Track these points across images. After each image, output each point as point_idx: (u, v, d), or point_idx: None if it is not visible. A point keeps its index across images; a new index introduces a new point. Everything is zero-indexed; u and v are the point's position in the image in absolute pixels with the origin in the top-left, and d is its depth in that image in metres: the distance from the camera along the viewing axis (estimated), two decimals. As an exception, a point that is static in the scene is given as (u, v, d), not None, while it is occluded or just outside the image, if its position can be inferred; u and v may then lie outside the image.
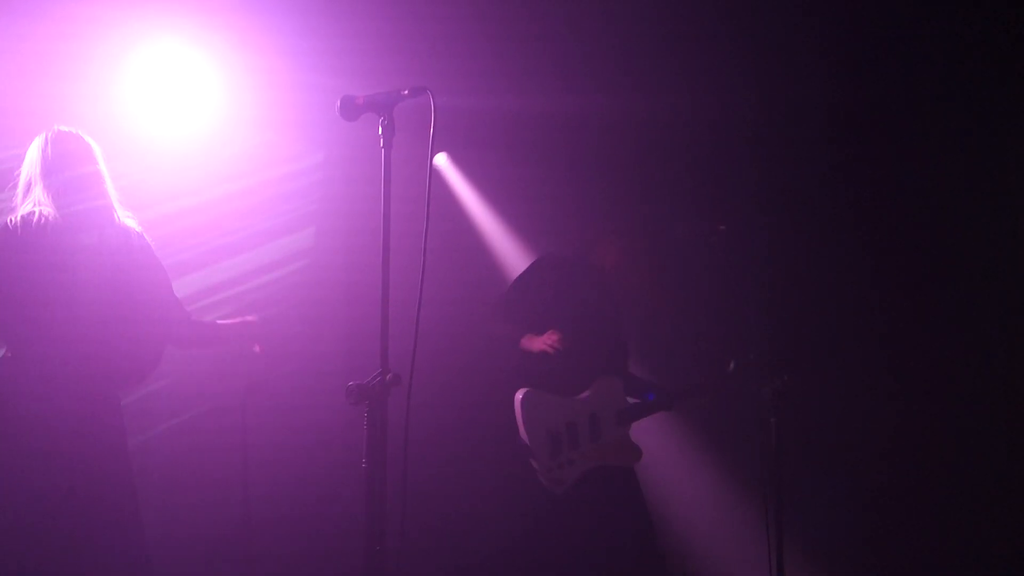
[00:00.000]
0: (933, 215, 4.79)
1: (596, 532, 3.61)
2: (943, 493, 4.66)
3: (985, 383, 4.68)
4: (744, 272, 3.53)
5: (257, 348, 3.54)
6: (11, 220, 3.24)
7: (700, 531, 4.91)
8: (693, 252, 4.53)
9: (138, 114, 4.67)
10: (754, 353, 3.73)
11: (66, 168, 3.30)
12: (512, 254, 5.21)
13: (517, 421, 3.60)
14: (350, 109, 2.59)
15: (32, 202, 3.26)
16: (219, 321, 3.70)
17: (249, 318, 3.59)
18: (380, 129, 2.56)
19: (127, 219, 3.41)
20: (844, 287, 4.94)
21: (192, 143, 4.81)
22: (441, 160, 5.34)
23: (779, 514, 3.43)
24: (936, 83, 4.68)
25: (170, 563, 4.20)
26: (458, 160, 5.35)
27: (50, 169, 3.29)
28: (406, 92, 2.57)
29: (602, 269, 3.89)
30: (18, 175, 3.37)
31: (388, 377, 2.42)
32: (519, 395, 3.62)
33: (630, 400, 3.82)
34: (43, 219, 3.20)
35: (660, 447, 4.82)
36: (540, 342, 3.62)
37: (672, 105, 4.84)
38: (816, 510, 4.66)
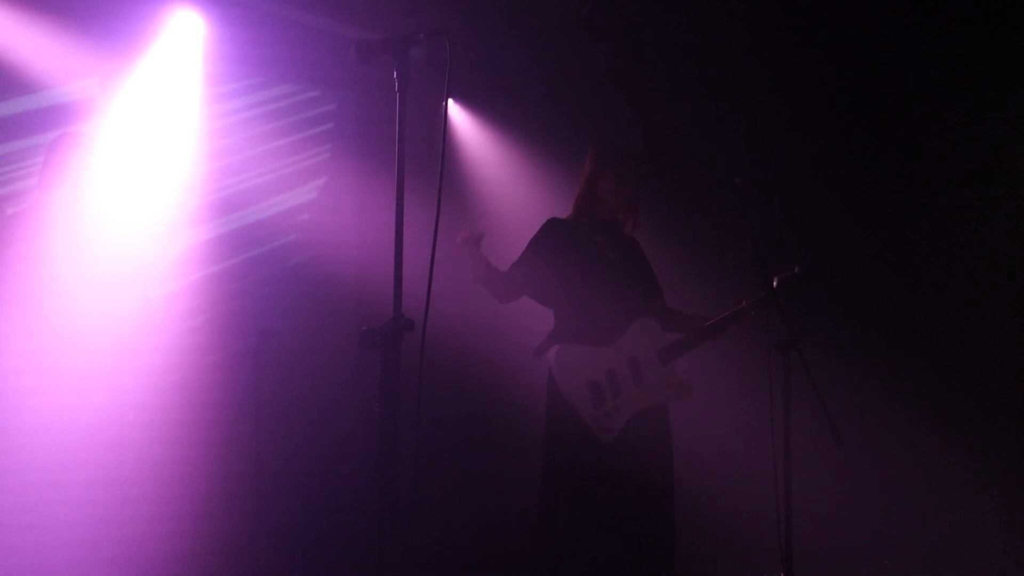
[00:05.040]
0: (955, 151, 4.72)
1: (629, 482, 3.60)
2: (948, 436, 4.66)
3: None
4: (758, 226, 3.49)
5: None
6: None
7: (710, 482, 4.93)
8: (709, 203, 4.51)
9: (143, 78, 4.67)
10: (764, 305, 3.71)
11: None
12: (523, 201, 5.19)
13: (555, 381, 3.59)
14: (365, 53, 2.57)
15: None
16: None
17: None
18: (396, 72, 2.54)
19: None
20: (860, 244, 4.91)
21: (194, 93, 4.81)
22: (454, 109, 5.31)
23: (787, 450, 3.46)
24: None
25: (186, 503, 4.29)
26: (469, 106, 5.32)
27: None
28: (423, 36, 2.54)
29: (613, 218, 3.84)
30: None
31: (402, 322, 2.43)
32: (552, 353, 3.60)
33: (670, 337, 3.79)
34: None
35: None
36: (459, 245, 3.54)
37: (691, 49, 4.78)
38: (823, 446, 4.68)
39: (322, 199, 5.22)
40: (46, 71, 4.33)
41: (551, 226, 3.80)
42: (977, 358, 4.66)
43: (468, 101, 5.32)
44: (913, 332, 4.80)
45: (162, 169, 4.74)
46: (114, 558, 3.76)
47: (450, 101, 5.23)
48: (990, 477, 4.54)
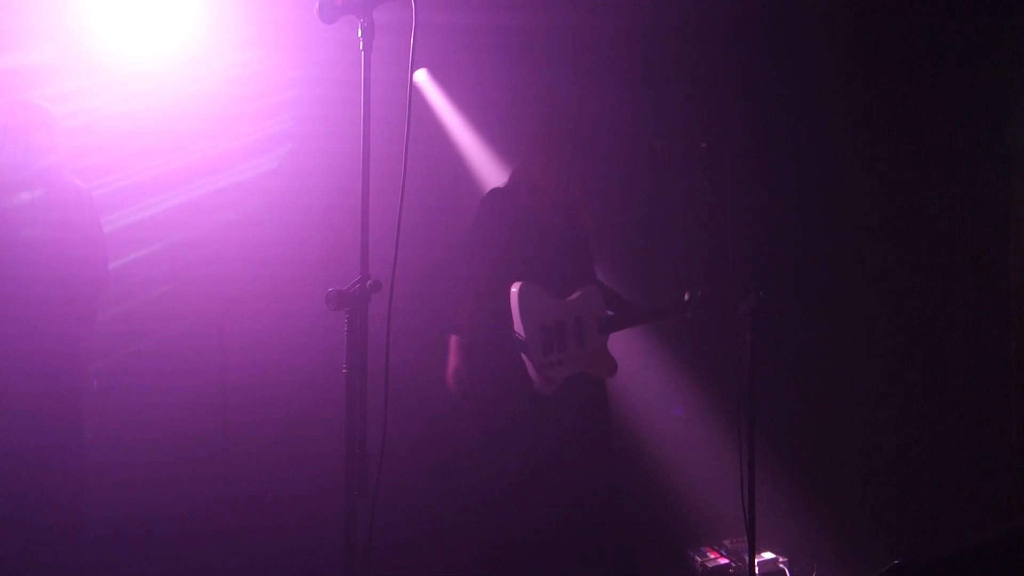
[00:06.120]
0: (927, 136, 4.78)
1: (567, 441, 3.64)
2: (916, 419, 4.76)
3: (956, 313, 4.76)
4: (723, 191, 3.51)
5: None
6: None
7: (675, 451, 5.00)
8: (673, 168, 4.52)
9: (101, 28, 4.58)
10: (730, 271, 3.74)
11: (20, 135, 3.68)
12: (487, 165, 5.19)
13: (513, 314, 3.56)
14: (329, 11, 2.52)
15: None
16: None
17: None
18: (360, 31, 2.50)
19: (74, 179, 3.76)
20: (825, 208, 4.97)
21: (162, 59, 4.73)
22: (420, 76, 5.27)
23: (751, 432, 3.48)
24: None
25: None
26: (435, 73, 5.29)
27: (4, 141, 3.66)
28: (386, -6, 2.51)
29: (551, 191, 3.82)
30: None
31: (369, 283, 2.42)
32: (515, 287, 3.57)
33: (609, 312, 3.84)
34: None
35: (639, 364, 4.88)
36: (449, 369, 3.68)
37: (656, 14, 4.77)
38: (789, 428, 4.77)
39: (286, 165, 5.17)
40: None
41: (495, 200, 3.78)
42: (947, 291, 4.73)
43: (438, 65, 5.28)
44: (891, 262, 4.86)
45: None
46: (76, 525, 3.73)
47: (421, 71, 5.21)
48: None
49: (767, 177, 4.97)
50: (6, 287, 3.59)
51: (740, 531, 3.33)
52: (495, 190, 3.84)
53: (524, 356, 3.55)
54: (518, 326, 3.55)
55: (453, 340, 3.69)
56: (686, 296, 3.78)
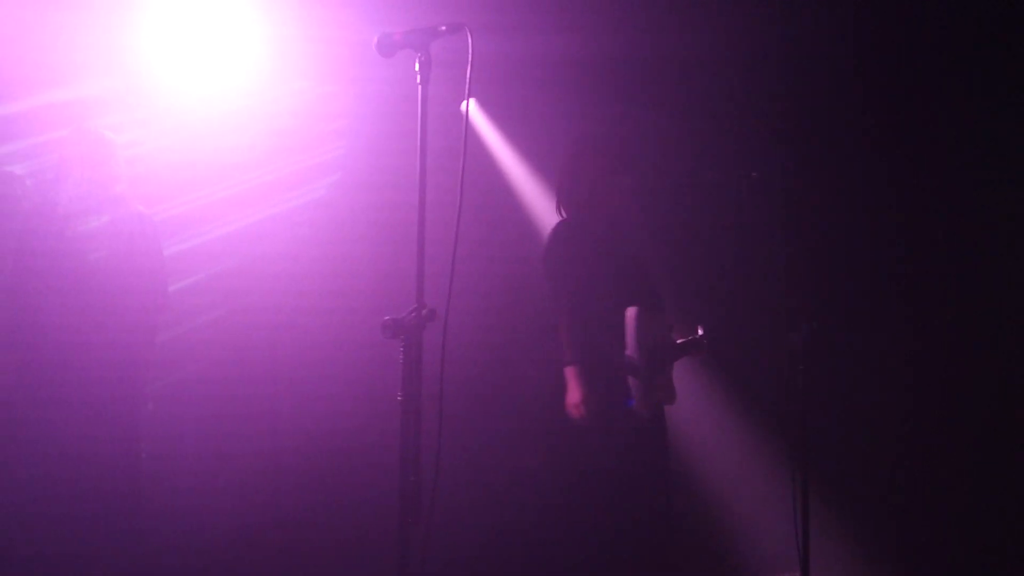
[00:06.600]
0: (978, 153, 4.71)
1: (653, 468, 3.63)
2: (968, 453, 4.66)
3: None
4: (775, 219, 3.49)
5: None
6: (42, 209, 3.83)
7: (725, 483, 4.94)
8: (724, 199, 4.50)
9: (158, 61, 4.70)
10: (780, 301, 3.72)
11: (86, 166, 3.87)
12: (540, 196, 5.21)
13: (628, 337, 3.56)
14: (387, 46, 2.58)
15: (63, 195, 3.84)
16: None
17: None
18: (417, 65, 2.55)
19: (138, 206, 3.96)
20: (877, 239, 4.90)
21: (215, 91, 4.83)
22: (471, 106, 5.33)
23: (805, 463, 3.44)
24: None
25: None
26: (488, 101, 5.34)
27: (73, 168, 3.87)
28: (444, 28, 2.56)
29: (614, 221, 3.83)
30: (46, 165, 4.00)
31: (424, 312, 2.44)
32: (631, 311, 3.57)
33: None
34: (65, 211, 3.81)
35: (689, 391, 4.84)
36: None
37: (707, 45, 4.78)
38: (842, 459, 4.69)
39: (334, 195, 5.22)
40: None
41: (567, 231, 3.79)
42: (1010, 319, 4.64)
43: (487, 96, 5.33)
44: (946, 294, 4.78)
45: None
46: (130, 549, 3.80)
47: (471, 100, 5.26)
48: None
49: (816, 206, 4.92)
50: (77, 303, 3.73)
51: (794, 565, 3.28)
52: (563, 223, 3.84)
53: (634, 379, 3.55)
54: (632, 349, 3.55)
55: (570, 371, 3.64)
56: (699, 331, 3.76)
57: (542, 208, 5.03)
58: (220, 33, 4.76)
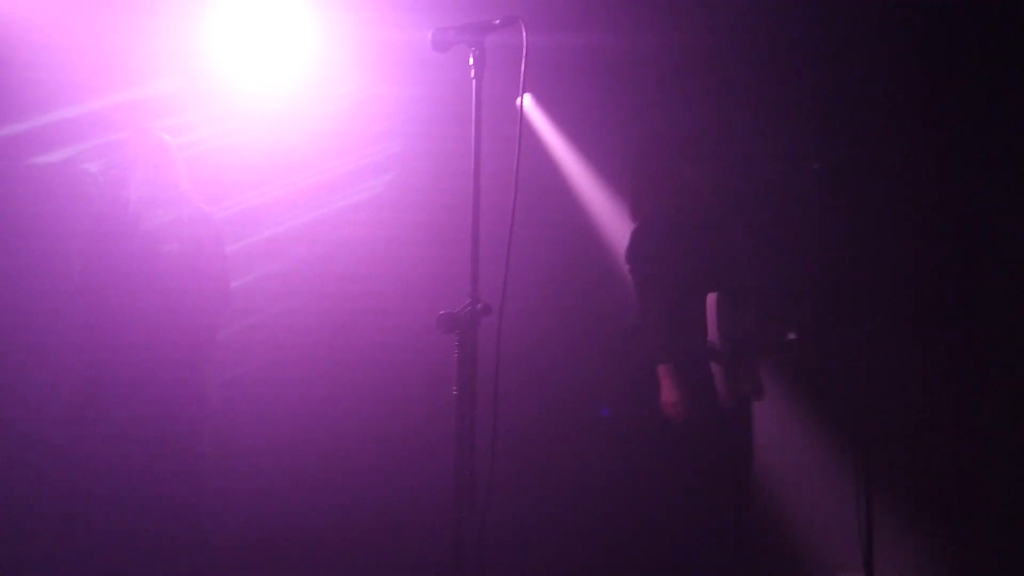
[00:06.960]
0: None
1: (739, 460, 3.59)
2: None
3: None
4: (838, 212, 3.42)
5: None
6: (114, 207, 3.92)
7: (787, 480, 4.86)
8: (787, 190, 4.41)
9: (221, 60, 4.78)
10: (845, 296, 3.64)
11: (150, 167, 3.96)
12: (596, 193, 5.17)
13: (709, 324, 3.52)
14: (441, 41, 2.58)
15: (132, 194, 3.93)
16: None
17: None
18: (471, 59, 2.55)
19: (201, 204, 4.04)
20: (946, 230, 4.77)
21: (277, 88, 4.90)
22: (525, 102, 5.31)
23: (869, 463, 3.38)
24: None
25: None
26: (542, 98, 5.32)
27: (136, 169, 3.96)
28: (497, 22, 2.56)
29: (692, 212, 3.77)
30: (116, 163, 4.08)
31: (479, 306, 2.45)
32: (711, 297, 3.54)
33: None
34: (135, 210, 3.90)
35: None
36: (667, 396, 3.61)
37: (770, 37, 4.70)
38: (908, 457, 4.58)
39: (386, 196, 5.26)
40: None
41: (646, 229, 3.74)
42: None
43: (542, 93, 5.31)
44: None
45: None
46: (193, 543, 3.87)
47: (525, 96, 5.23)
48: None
49: (884, 197, 4.80)
50: (145, 302, 3.83)
51: (857, 566, 3.22)
52: (643, 223, 3.80)
53: (716, 367, 3.51)
54: (713, 335, 3.51)
55: (663, 370, 3.61)
56: (790, 334, 3.69)
57: (599, 206, 5.00)
58: (278, 35, 4.82)
